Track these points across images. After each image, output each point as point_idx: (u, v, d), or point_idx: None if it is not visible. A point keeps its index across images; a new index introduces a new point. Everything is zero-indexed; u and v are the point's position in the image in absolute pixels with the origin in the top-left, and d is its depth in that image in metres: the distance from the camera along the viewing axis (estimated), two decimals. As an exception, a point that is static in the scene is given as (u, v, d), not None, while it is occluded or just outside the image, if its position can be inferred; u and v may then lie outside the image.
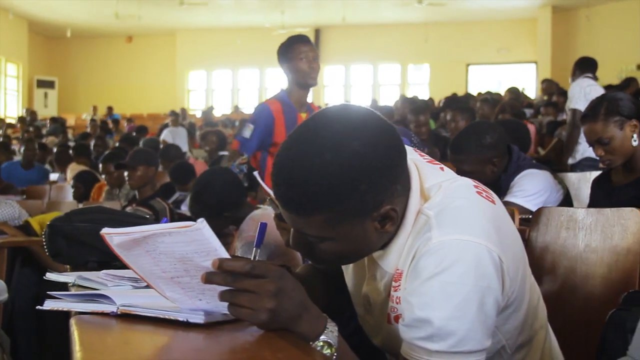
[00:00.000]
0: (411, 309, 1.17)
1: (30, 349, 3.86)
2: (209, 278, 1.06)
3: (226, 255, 1.07)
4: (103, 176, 5.47)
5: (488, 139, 2.81)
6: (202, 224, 1.04)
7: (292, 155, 1.16)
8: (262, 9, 17.73)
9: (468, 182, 1.29)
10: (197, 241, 1.05)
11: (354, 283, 1.45)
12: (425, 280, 1.16)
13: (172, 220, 4.20)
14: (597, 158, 2.67)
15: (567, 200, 2.85)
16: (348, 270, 1.47)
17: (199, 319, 1.12)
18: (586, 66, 5.74)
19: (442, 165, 1.39)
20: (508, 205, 2.69)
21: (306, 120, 1.21)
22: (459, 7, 17.11)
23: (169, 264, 1.10)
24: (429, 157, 1.41)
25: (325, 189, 1.13)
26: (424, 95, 15.44)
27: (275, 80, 19.69)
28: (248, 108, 17.60)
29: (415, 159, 1.33)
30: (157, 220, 4.29)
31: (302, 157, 1.14)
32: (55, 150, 8.13)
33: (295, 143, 1.17)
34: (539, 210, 1.90)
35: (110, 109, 17.33)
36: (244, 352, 0.99)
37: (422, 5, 16.60)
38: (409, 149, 1.38)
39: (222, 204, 2.76)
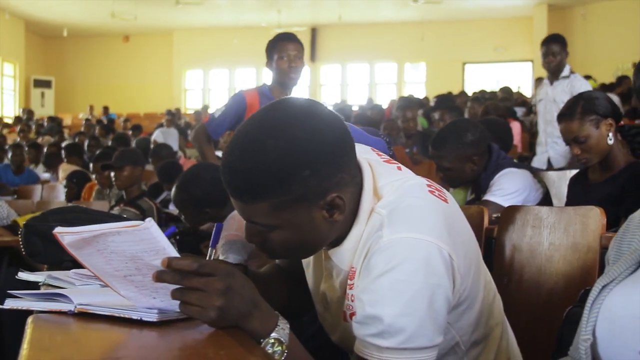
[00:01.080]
0: (362, 306, 1.20)
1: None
2: (159, 276, 1.08)
3: (175, 254, 1.09)
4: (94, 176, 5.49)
5: (469, 137, 2.83)
6: (149, 223, 1.05)
7: (237, 144, 1.19)
8: (258, 8, 17.74)
9: (421, 182, 1.31)
10: (145, 240, 1.07)
11: (313, 281, 1.47)
12: (375, 278, 1.18)
13: (159, 220, 4.23)
14: None
15: (546, 199, 2.87)
16: (309, 269, 1.49)
17: (152, 317, 1.14)
18: None
19: (400, 165, 1.42)
20: (487, 203, 2.71)
21: (255, 112, 1.24)
22: (455, 5, 17.11)
23: (121, 262, 1.12)
24: (387, 157, 1.43)
25: (268, 174, 1.15)
26: (420, 94, 15.46)
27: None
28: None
29: (370, 158, 1.36)
30: (143, 220, 4.31)
31: (245, 145, 1.18)
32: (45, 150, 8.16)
33: (242, 132, 1.20)
34: (507, 209, 1.92)
35: (106, 108, 17.34)
36: (189, 349, 1.00)
37: (418, 4, 16.61)
38: (365, 149, 1.40)
39: (206, 198, 2.79)
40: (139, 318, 1.14)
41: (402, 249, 1.17)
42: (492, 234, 1.95)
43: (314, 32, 19.64)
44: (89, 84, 20.98)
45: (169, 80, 20.83)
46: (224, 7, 17.91)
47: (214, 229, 1.29)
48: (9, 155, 7.48)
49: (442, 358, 1.35)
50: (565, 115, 2.60)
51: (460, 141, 2.82)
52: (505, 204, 2.76)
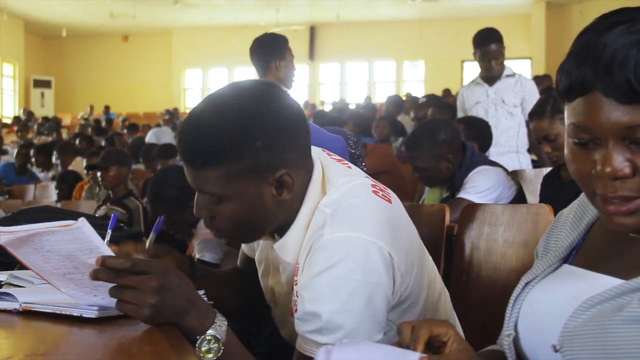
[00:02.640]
0: (303, 302, 1.22)
1: None
2: (94, 275, 1.11)
3: (109, 252, 1.12)
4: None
5: (442, 136, 2.86)
6: (82, 222, 1.08)
7: (195, 113, 1.25)
8: (256, 7, 17.75)
9: (366, 182, 1.34)
10: (79, 239, 1.09)
11: (263, 277, 1.50)
12: (315, 275, 1.21)
13: (145, 219, 4.26)
14: None
15: (519, 197, 2.89)
16: (261, 267, 1.52)
17: (92, 313, 1.16)
18: None
19: (350, 165, 1.44)
20: (460, 201, 2.74)
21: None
22: (453, 3, 17.11)
23: (58, 261, 1.14)
24: (338, 157, 1.46)
25: (220, 140, 1.20)
26: (419, 92, 15.46)
27: (271, 78, 19.73)
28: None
29: (321, 156, 1.39)
30: (130, 219, 4.34)
31: (201, 114, 1.24)
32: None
33: (201, 103, 1.27)
34: (466, 207, 1.94)
35: (107, 107, 17.38)
36: (118, 346, 1.03)
37: (416, 2, 16.61)
38: (316, 149, 1.43)
39: (183, 195, 2.80)
40: (79, 315, 1.17)
41: (342, 248, 1.20)
42: (452, 232, 1.98)
43: (312, 30, 19.65)
44: (89, 84, 21.01)
45: (168, 80, 20.86)
46: (223, 6, 17.93)
47: (158, 218, 1.33)
48: (14, 152, 7.49)
49: None
50: (536, 114, 2.62)
51: (434, 141, 2.85)
52: (479, 201, 2.79)
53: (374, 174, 5.14)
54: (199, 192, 1.27)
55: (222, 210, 1.25)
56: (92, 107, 17.78)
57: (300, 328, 1.23)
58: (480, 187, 2.81)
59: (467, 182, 2.86)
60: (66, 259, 1.13)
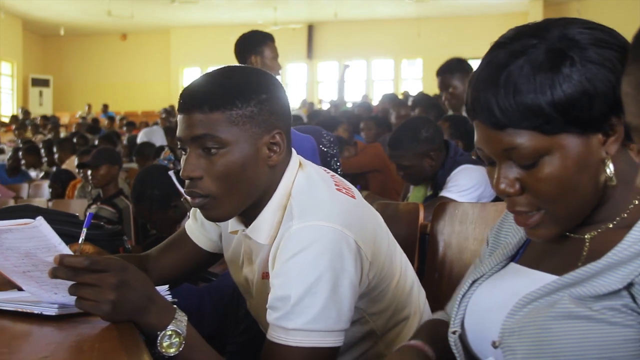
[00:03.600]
0: (274, 290, 1.26)
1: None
2: (54, 273, 1.12)
3: (67, 251, 1.13)
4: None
5: (423, 133, 2.88)
6: (39, 221, 1.09)
7: (204, 74, 1.35)
8: (254, 5, 17.76)
9: (330, 181, 1.39)
10: (36, 238, 1.11)
11: (235, 270, 1.53)
12: (284, 262, 1.25)
13: (135, 219, 4.27)
14: None
15: (502, 195, 2.90)
16: (232, 264, 1.54)
17: (52, 311, 1.18)
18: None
19: (322, 167, 1.49)
20: (443, 199, 2.75)
21: None
22: (450, 1, 17.13)
23: (18, 259, 1.16)
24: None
25: (231, 84, 1.29)
26: (417, 90, 15.46)
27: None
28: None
29: (300, 158, 1.44)
30: (120, 218, 4.36)
31: (216, 71, 1.34)
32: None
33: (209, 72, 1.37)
34: (438, 206, 1.96)
35: (105, 106, 17.40)
36: (69, 342, 1.04)
37: (413, 0, 16.61)
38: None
39: (166, 194, 2.81)
40: (40, 312, 1.18)
41: (309, 235, 1.24)
42: (426, 230, 1.99)
43: (310, 29, 19.65)
44: (87, 82, 21.03)
45: (167, 78, 20.87)
46: (220, 4, 17.94)
47: (88, 214, 1.35)
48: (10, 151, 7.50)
49: (358, 343, 1.42)
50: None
51: (416, 139, 2.87)
52: (461, 200, 2.80)
53: (364, 172, 5.12)
54: (195, 144, 1.28)
55: (217, 162, 1.27)
56: (90, 106, 17.79)
57: (270, 317, 1.26)
58: (462, 185, 2.82)
59: (449, 180, 2.87)
60: (25, 256, 1.15)
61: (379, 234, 1.39)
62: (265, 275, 1.37)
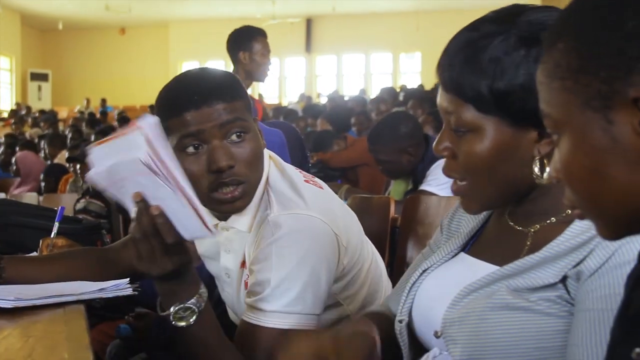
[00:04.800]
0: (254, 275, 1.30)
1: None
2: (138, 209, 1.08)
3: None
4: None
5: (403, 129, 2.90)
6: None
7: (197, 70, 1.41)
8: (253, -1, 17.77)
9: (298, 173, 1.44)
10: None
11: (211, 265, 1.55)
12: (264, 248, 1.29)
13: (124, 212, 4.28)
14: None
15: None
16: (208, 259, 1.56)
17: (7, 304, 1.20)
18: None
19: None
20: (422, 193, 2.77)
21: None
22: (448, -5, 17.11)
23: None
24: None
25: (233, 81, 1.35)
26: (416, 84, 15.46)
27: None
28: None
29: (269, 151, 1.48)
30: (109, 212, 4.38)
31: (200, 69, 1.42)
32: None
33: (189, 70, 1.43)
34: (407, 199, 1.97)
35: (103, 100, 17.41)
36: (8, 337, 1.06)
37: (411, -6, 16.60)
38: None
39: None
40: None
41: (288, 222, 1.29)
42: (396, 223, 2.01)
43: (308, 23, 19.64)
44: (86, 76, 21.03)
45: (166, 73, 20.81)
46: (218, -2, 17.94)
47: (60, 208, 1.37)
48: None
49: (332, 326, 1.44)
50: None
51: (395, 134, 2.89)
52: (441, 194, 2.82)
53: (354, 166, 5.12)
54: (221, 133, 1.29)
55: (246, 147, 1.31)
56: (88, 100, 17.80)
57: (248, 299, 1.30)
58: (441, 179, 2.84)
59: (429, 174, 2.89)
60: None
61: (350, 221, 1.45)
62: (244, 264, 1.41)
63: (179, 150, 1.29)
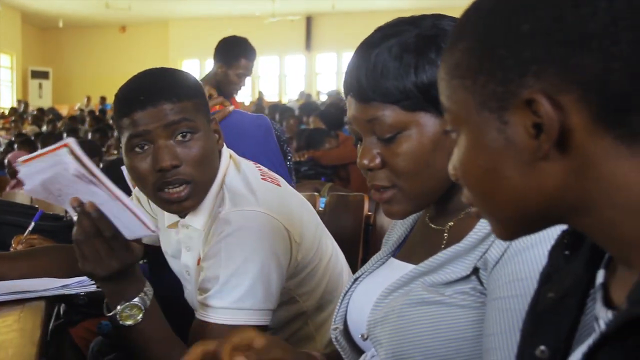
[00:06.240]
0: (203, 272, 1.31)
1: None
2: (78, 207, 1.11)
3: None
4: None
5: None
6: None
7: (150, 71, 1.45)
8: (252, -3, 17.76)
9: (256, 172, 1.45)
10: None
11: (173, 262, 1.57)
12: (213, 245, 1.30)
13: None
14: None
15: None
16: (170, 256, 1.57)
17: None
18: None
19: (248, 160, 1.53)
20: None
21: None
22: (448, -7, 17.08)
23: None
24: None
25: (185, 80, 1.39)
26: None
27: (268, 68, 19.77)
28: (240, 96, 17.65)
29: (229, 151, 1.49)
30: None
31: (152, 69, 1.45)
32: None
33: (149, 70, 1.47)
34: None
35: (103, 98, 17.41)
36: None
37: (411, -8, 16.57)
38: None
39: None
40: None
41: (238, 219, 1.30)
42: (370, 220, 2.02)
43: (308, 20, 19.63)
44: (87, 74, 21.04)
45: (166, 70, 20.86)
46: (218, -4, 17.94)
47: (39, 210, 1.38)
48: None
49: (288, 323, 1.47)
50: None
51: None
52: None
53: (345, 164, 5.12)
54: (166, 133, 1.31)
55: (193, 147, 1.32)
56: (89, 98, 17.81)
57: (199, 297, 1.31)
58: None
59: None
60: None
61: (307, 217, 1.45)
62: (200, 261, 1.41)
63: (129, 149, 1.31)
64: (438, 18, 1.01)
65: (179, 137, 1.31)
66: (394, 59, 0.97)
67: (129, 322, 1.17)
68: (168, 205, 1.35)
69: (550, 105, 0.58)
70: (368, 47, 1.00)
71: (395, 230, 1.19)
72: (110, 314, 1.18)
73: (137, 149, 1.32)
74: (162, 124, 1.30)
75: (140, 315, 1.17)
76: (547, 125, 0.58)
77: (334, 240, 1.58)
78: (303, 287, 1.44)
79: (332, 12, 18.40)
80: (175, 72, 1.42)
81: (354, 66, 1.01)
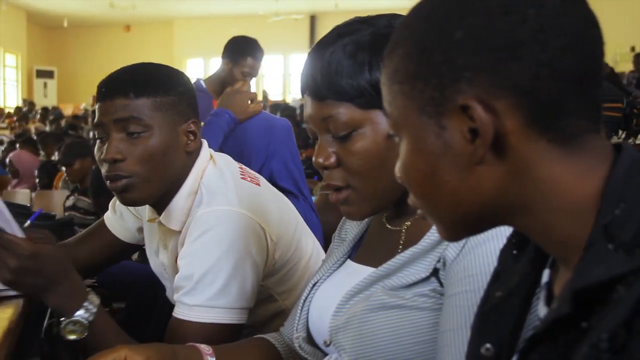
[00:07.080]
0: (180, 270, 1.32)
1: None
2: None
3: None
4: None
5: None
6: None
7: (132, 65, 1.43)
8: (256, -4, 17.76)
9: (236, 170, 1.45)
10: None
11: (152, 259, 1.58)
12: (189, 244, 1.32)
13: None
14: None
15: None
16: (152, 253, 1.58)
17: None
18: None
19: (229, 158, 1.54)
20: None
21: None
22: (452, -8, 17.03)
23: None
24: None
25: (153, 74, 1.36)
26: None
27: (272, 66, 19.76)
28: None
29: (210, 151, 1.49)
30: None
31: (135, 64, 1.42)
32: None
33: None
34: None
35: (107, 98, 17.44)
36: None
37: (414, -9, 16.54)
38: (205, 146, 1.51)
39: None
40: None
41: (214, 218, 1.31)
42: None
43: (312, 19, 19.62)
44: (92, 74, 20.96)
45: (170, 70, 20.88)
46: (221, -5, 17.94)
47: (38, 210, 1.40)
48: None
49: (268, 322, 1.48)
50: None
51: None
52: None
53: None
54: (117, 128, 1.33)
55: (140, 145, 1.32)
56: (94, 97, 17.78)
57: (175, 295, 1.33)
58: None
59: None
60: None
61: (285, 217, 1.46)
62: (177, 260, 1.42)
63: (95, 137, 1.35)
64: (393, 17, 1.02)
65: (130, 133, 1.33)
66: (349, 57, 0.97)
67: (73, 337, 1.18)
68: (116, 195, 1.38)
69: (483, 111, 0.59)
70: (323, 46, 1.00)
71: (349, 230, 1.18)
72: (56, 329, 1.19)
73: (98, 139, 1.38)
74: (113, 119, 1.33)
75: (85, 330, 1.18)
76: (481, 130, 0.59)
77: (315, 240, 1.59)
78: (282, 285, 1.45)
79: (336, 11, 18.37)
80: (153, 68, 1.41)
81: (309, 64, 1.01)
